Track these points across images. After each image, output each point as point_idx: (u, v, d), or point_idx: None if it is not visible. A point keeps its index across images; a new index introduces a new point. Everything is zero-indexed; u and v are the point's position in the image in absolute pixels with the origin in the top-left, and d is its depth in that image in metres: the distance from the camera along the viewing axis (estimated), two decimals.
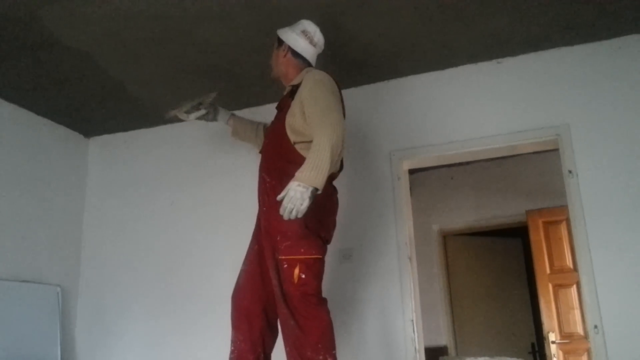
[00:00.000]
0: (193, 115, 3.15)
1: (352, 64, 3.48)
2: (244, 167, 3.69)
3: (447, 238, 5.93)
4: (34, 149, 3.99)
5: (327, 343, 2.41)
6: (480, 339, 5.65)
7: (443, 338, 5.49)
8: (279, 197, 2.29)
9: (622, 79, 3.23)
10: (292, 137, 2.55)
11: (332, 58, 3.18)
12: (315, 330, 2.39)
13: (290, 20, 2.80)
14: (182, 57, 3.34)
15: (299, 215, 2.26)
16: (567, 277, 4.91)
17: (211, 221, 3.93)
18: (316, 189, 2.28)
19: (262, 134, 3.18)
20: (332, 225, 2.61)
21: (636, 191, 3.08)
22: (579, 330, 4.82)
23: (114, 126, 4.32)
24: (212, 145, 4.07)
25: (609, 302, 2.99)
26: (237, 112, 3.44)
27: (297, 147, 2.53)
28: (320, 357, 2.36)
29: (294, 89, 2.65)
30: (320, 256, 2.48)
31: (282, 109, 2.70)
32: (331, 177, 2.50)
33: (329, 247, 2.60)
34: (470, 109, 3.50)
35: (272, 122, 2.79)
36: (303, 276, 2.39)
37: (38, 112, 4.01)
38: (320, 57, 2.84)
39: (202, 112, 3.16)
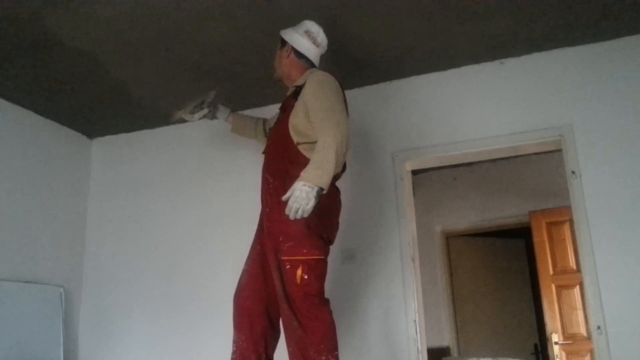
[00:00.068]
0: (197, 115, 3.19)
1: (354, 64, 3.48)
2: (247, 167, 3.69)
3: (450, 239, 5.92)
4: (37, 150, 4.00)
5: (330, 343, 2.41)
6: (483, 340, 5.64)
7: (445, 339, 5.49)
8: (284, 197, 2.29)
9: (624, 80, 3.23)
10: (296, 138, 2.55)
11: (334, 58, 3.18)
12: (317, 331, 2.39)
13: (292, 21, 2.80)
14: (185, 58, 3.35)
15: (305, 215, 2.27)
16: (570, 277, 4.89)
17: (214, 222, 3.94)
18: (321, 189, 2.28)
19: (261, 129, 3.21)
20: (335, 226, 2.62)
21: (639, 192, 3.07)
22: (582, 331, 4.81)
23: (117, 127, 4.33)
24: (214, 146, 4.07)
25: (612, 302, 2.98)
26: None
27: (300, 148, 2.54)
28: (323, 358, 2.36)
29: (298, 90, 2.65)
30: (323, 257, 2.48)
31: (286, 110, 2.70)
32: (334, 178, 2.50)
33: (332, 247, 2.60)
34: (473, 109, 3.49)
35: (276, 123, 2.80)
36: (306, 277, 2.39)
37: (41, 113, 4.02)
38: (323, 57, 2.84)
39: (205, 110, 3.19)
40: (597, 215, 3.11)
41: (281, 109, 2.82)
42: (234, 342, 2.62)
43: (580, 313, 4.82)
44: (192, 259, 3.93)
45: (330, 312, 2.47)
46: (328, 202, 2.47)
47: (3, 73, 3.43)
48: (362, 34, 3.16)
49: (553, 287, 4.99)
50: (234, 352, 2.61)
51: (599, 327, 2.99)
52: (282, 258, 2.44)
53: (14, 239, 3.72)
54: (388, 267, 3.43)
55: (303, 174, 2.29)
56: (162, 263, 4.00)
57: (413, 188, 3.71)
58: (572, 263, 4.92)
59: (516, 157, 4.93)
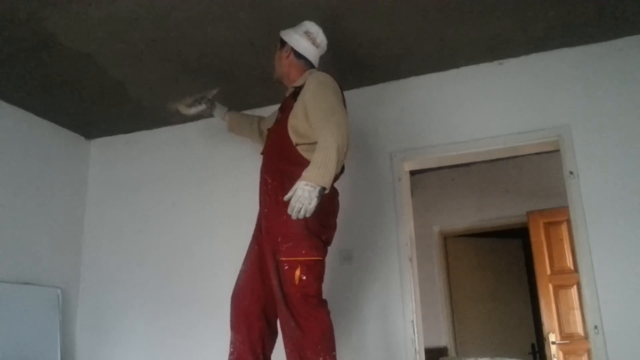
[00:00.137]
0: (193, 110, 3.24)
1: (353, 65, 3.48)
2: (245, 168, 3.69)
3: (448, 239, 5.93)
4: (35, 151, 3.99)
5: (328, 344, 2.41)
6: (481, 340, 5.65)
7: (443, 339, 5.49)
8: (286, 197, 2.29)
9: (623, 80, 3.23)
10: (295, 139, 2.55)
11: (333, 59, 3.18)
12: (315, 332, 2.39)
13: (291, 22, 2.81)
14: (183, 59, 3.35)
15: (307, 215, 2.26)
16: (568, 277, 4.91)
17: (211, 223, 3.94)
18: (324, 189, 2.28)
19: (256, 128, 3.23)
20: (333, 227, 2.62)
21: (637, 192, 3.08)
22: (579, 330, 4.82)
23: (115, 128, 4.33)
24: (212, 146, 4.07)
25: (610, 302, 2.99)
26: None
27: (299, 148, 2.54)
28: (321, 359, 2.36)
29: (297, 91, 2.65)
30: (321, 258, 2.48)
31: (285, 111, 2.70)
32: (333, 179, 2.50)
33: (330, 248, 2.60)
34: (471, 110, 3.50)
35: (274, 124, 2.80)
36: (304, 278, 2.40)
37: (39, 114, 4.02)
38: (322, 58, 2.84)
39: (202, 107, 3.25)
40: (594, 215, 3.12)
41: (280, 109, 2.82)
42: (232, 343, 2.62)
43: (577, 313, 4.84)
44: (190, 259, 3.92)
45: (328, 313, 2.47)
46: (326, 203, 2.47)
47: (1, 74, 3.43)
48: (361, 35, 3.16)
49: (550, 287, 5.00)
50: (231, 353, 2.61)
51: (596, 327, 3.00)
52: (281, 259, 2.44)
53: (11, 240, 3.72)
54: (386, 267, 3.44)
55: (305, 173, 2.29)
56: (160, 264, 4.00)
57: (411, 188, 3.71)
58: (569, 263, 4.93)
59: (514, 157, 4.93)
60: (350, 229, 3.45)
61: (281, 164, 2.58)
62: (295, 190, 2.26)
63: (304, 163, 2.47)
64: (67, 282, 4.09)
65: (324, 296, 2.52)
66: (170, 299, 3.89)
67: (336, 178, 2.59)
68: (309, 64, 2.76)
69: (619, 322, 2.96)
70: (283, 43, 2.77)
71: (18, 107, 3.87)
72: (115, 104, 3.89)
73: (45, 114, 4.02)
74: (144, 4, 2.81)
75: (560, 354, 4.87)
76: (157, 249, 4.04)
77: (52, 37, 3.07)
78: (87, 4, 2.80)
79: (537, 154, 4.13)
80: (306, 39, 2.73)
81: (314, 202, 2.24)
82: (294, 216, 2.27)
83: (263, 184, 2.66)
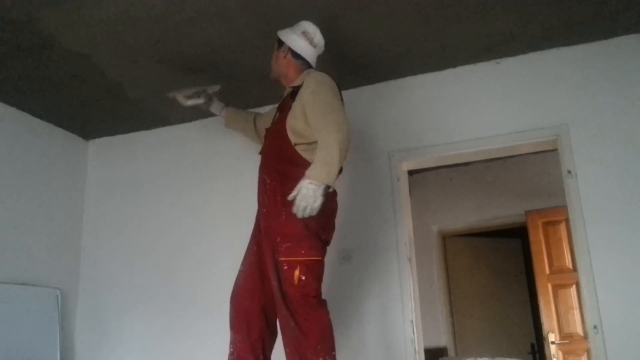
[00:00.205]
0: (191, 102, 3.24)
1: (351, 65, 3.48)
2: (243, 168, 3.69)
3: (447, 239, 5.94)
4: (33, 152, 3.99)
5: (327, 344, 2.41)
6: (480, 340, 5.65)
7: (443, 339, 5.49)
8: (290, 196, 2.29)
9: (621, 79, 3.23)
10: (293, 139, 2.55)
11: (331, 59, 3.18)
12: (315, 332, 2.39)
13: (289, 22, 2.81)
14: (181, 59, 3.34)
15: (313, 213, 2.28)
16: (567, 277, 4.91)
17: (210, 223, 3.94)
18: (328, 187, 2.28)
19: (251, 125, 3.24)
20: (332, 227, 2.61)
21: (635, 191, 3.08)
22: (579, 330, 4.82)
23: (113, 128, 4.33)
24: (211, 147, 4.07)
25: (609, 302, 2.99)
26: None
27: (298, 148, 2.54)
28: (320, 359, 2.36)
29: (295, 91, 2.65)
30: (320, 258, 2.48)
31: (283, 111, 2.70)
32: None
33: (329, 248, 2.60)
34: (469, 109, 3.50)
35: (273, 124, 2.79)
36: (303, 278, 2.40)
37: (37, 115, 4.01)
38: (319, 58, 2.84)
39: (200, 101, 3.25)
40: (593, 214, 3.12)
41: (278, 109, 2.82)
42: (231, 343, 2.62)
43: (576, 312, 4.84)
44: (189, 260, 3.92)
45: (327, 313, 2.47)
46: (325, 203, 2.47)
47: None
48: (359, 35, 3.16)
49: (549, 286, 5.01)
50: (231, 354, 2.60)
51: (595, 327, 3.00)
52: (280, 259, 2.44)
53: (10, 241, 3.71)
54: (385, 267, 3.44)
55: (308, 172, 2.30)
56: (159, 264, 4.00)
57: (410, 188, 3.71)
58: (568, 262, 4.93)
59: (512, 156, 4.94)
60: (349, 228, 3.45)
61: (280, 164, 2.58)
62: (300, 189, 2.27)
63: (302, 163, 2.48)
64: (66, 283, 4.09)
65: (324, 296, 2.52)
66: (170, 299, 3.89)
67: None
68: (306, 64, 2.76)
69: (618, 321, 2.96)
70: (280, 43, 2.77)
71: (16, 108, 3.87)
72: (114, 104, 3.89)
73: (43, 114, 4.02)
74: (142, 5, 2.81)
75: (560, 353, 4.87)
76: (156, 249, 4.04)
77: (50, 38, 3.07)
78: (85, 5, 2.79)
79: (535, 153, 4.14)
80: (304, 39, 2.73)
81: (319, 201, 2.26)
82: (299, 215, 2.27)
83: (262, 184, 2.66)
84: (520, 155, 4.59)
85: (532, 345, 5.76)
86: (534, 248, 5.12)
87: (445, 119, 3.54)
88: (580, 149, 3.22)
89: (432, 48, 3.35)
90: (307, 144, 2.53)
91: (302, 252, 2.42)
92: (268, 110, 3.17)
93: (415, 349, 3.27)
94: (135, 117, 4.11)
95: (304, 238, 2.42)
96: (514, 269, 6.11)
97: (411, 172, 4.01)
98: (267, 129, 2.87)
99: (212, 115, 3.93)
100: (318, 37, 2.77)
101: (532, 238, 5.14)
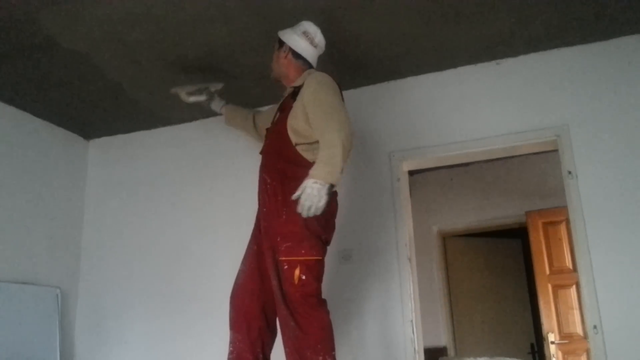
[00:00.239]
0: (193, 99, 3.30)
1: (352, 65, 3.48)
2: (244, 168, 3.69)
3: (447, 239, 5.94)
4: (34, 152, 3.99)
5: (327, 344, 2.41)
6: (480, 340, 5.66)
7: (442, 339, 5.49)
8: (294, 196, 2.30)
9: (621, 80, 3.23)
10: (294, 139, 2.56)
11: (332, 59, 3.18)
12: (315, 331, 2.40)
13: (290, 22, 2.81)
14: (181, 59, 3.34)
15: (318, 213, 2.28)
16: (567, 277, 4.91)
17: (210, 222, 3.94)
18: (332, 186, 2.29)
19: (250, 122, 3.27)
20: (332, 227, 2.62)
21: (635, 191, 3.08)
22: (579, 330, 4.83)
23: (114, 128, 4.33)
24: (211, 146, 4.07)
25: (609, 302, 2.99)
26: None
27: (298, 148, 2.55)
28: (320, 358, 2.37)
29: (296, 91, 2.66)
30: (321, 257, 2.49)
31: (284, 111, 2.70)
32: None
33: (329, 248, 2.60)
34: (469, 110, 3.50)
35: (273, 124, 2.80)
36: (303, 277, 2.40)
37: (37, 115, 4.01)
38: (320, 58, 2.85)
39: (202, 98, 3.31)
40: (593, 215, 3.12)
41: (279, 109, 2.82)
42: (231, 342, 2.62)
43: (576, 312, 4.84)
44: (189, 259, 3.92)
45: (327, 313, 2.47)
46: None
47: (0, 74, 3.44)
48: (360, 35, 3.16)
49: (549, 286, 5.01)
50: (230, 353, 2.61)
51: (595, 327, 3.00)
52: (280, 258, 2.45)
53: (10, 240, 3.72)
54: (385, 267, 3.44)
55: (312, 171, 2.30)
56: (159, 264, 4.00)
57: (410, 188, 3.72)
58: (568, 263, 4.94)
59: (513, 157, 4.94)
60: (350, 229, 3.45)
61: (280, 163, 2.59)
62: (304, 188, 2.27)
63: (303, 163, 2.49)
64: (66, 282, 4.09)
65: (324, 296, 2.53)
66: (170, 299, 3.89)
67: None
68: (307, 64, 2.76)
69: (618, 321, 2.96)
70: (281, 43, 2.78)
71: (16, 107, 3.87)
72: (114, 104, 3.89)
73: (43, 114, 4.02)
74: (142, 5, 2.81)
75: (560, 353, 4.88)
76: (156, 249, 4.04)
77: (50, 38, 3.07)
78: (85, 5, 2.79)
79: (535, 153, 4.13)
80: (304, 39, 2.74)
81: (323, 200, 2.26)
82: (304, 214, 2.28)
83: (262, 183, 2.66)
84: (521, 155, 4.59)
85: (532, 345, 5.76)
86: (534, 248, 5.12)
87: (446, 119, 3.54)
88: (580, 150, 3.22)
89: (432, 48, 3.35)
90: (308, 143, 2.53)
91: (303, 251, 2.42)
92: (268, 109, 3.18)
93: (415, 349, 3.27)
94: (136, 117, 4.11)
95: (304, 238, 2.43)
96: (514, 269, 6.11)
97: (411, 173, 4.01)
98: (267, 129, 2.87)
99: (212, 115, 3.96)
100: (319, 37, 2.77)
101: (532, 238, 5.14)
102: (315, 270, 2.46)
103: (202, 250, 3.90)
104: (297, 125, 2.55)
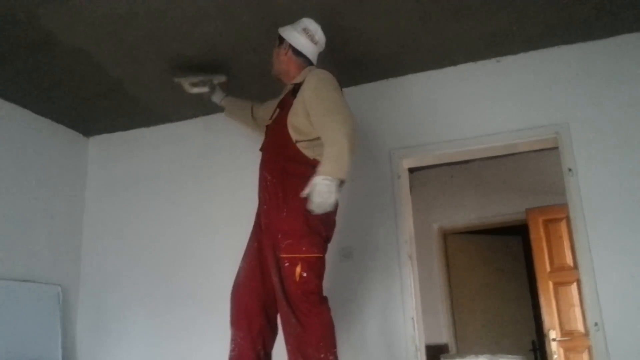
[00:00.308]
0: (196, 90, 3.34)
1: (352, 62, 3.48)
2: (244, 165, 3.69)
3: (448, 236, 5.93)
4: (34, 149, 3.99)
5: (328, 341, 2.41)
6: (481, 337, 5.66)
7: (444, 336, 5.49)
8: (303, 194, 2.30)
9: (621, 77, 3.23)
10: (295, 136, 2.56)
11: (332, 56, 3.17)
12: (316, 329, 2.40)
13: (289, 19, 2.81)
14: (181, 56, 3.34)
15: (329, 209, 2.31)
16: (568, 274, 4.91)
17: (211, 219, 3.94)
18: (341, 182, 2.29)
19: (249, 114, 3.30)
20: (333, 224, 2.62)
21: (636, 189, 3.08)
22: (580, 327, 4.82)
23: (114, 125, 4.32)
24: (212, 143, 4.07)
25: (610, 299, 2.99)
26: None
27: (299, 145, 2.55)
28: (322, 356, 2.37)
29: (296, 88, 2.65)
30: (322, 255, 2.49)
31: (284, 108, 2.70)
32: None
33: (329, 245, 2.60)
34: (470, 107, 3.50)
35: (273, 121, 2.80)
36: (304, 274, 2.40)
37: (37, 112, 4.01)
38: (320, 55, 2.84)
39: (205, 89, 3.35)
40: (593, 212, 3.12)
41: (279, 106, 2.82)
42: (232, 339, 2.62)
43: (577, 310, 4.84)
44: (190, 256, 3.93)
45: (328, 310, 2.48)
46: None
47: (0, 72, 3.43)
48: (360, 32, 3.16)
49: (550, 284, 5.01)
50: (232, 350, 2.61)
51: (596, 324, 3.00)
52: (281, 255, 2.45)
53: (10, 238, 3.72)
54: (386, 265, 3.44)
55: (320, 168, 2.31)
56: (160, 261, 4.00)
57: (410, 186, 3.72)
58: (569, 260, 4.93)
59: (513, 154, 4.90)
60: (350, 226, 3.45)
61: (281, 160, 2.59)
62: (314, 185, 2.27)
63: (303, 160, 2.49)
64: (67, 280, 4.09)
65: (324, 293, 2.53)
66: (171, 296, 3.89)
67: None
68: (307, 61, 2.76)
69: (620, 318, 2.96)
70: (281, 40, 2.78)
71: (16, 104, 3.86)
72: (114, 101, 3.89)
73: (43, 111, 4.02)
74: (142, 2, 2.81)
75: (561, 350, 4.88)
76: (157, 246, 4.04)
77: (50, 35, 3.06)
78: (85, 2, 2.79)
79: (536, 151, 4.14)
80: (305, 36, 2.73)
81: (334, 196, 2.27)
82: (316, 211, 2.30)
83: (262, 180, 2.66)
84: (521, 153, 4.57)
85: (533, 343, 5.76)
86: (534, 246, 5.12)
87: (446, 116, 3.53)
88: (581, 147, 3.22)
89: (432, 46, 3.35)
90: (309, 140, 2.53)
91: (303, 248, 2.42)
92: (267, 102, 3.17)
93: (416, 346, 3.27)
94: (136, 114, 4.11)
95: (305, 235, 2.43)
96: (514, 266, 6.11)
97: (412, 170, 4.01)
98: (267, 126, 2.87)
99: (212, 112, 3.97)
100: (319, 34, 2.77)
101: (532, 236, 5.14)
102: (316, 268, 2.46)
103: (202, 247, 3.90)
104: (297, 122, 2.55)
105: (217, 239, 3.85)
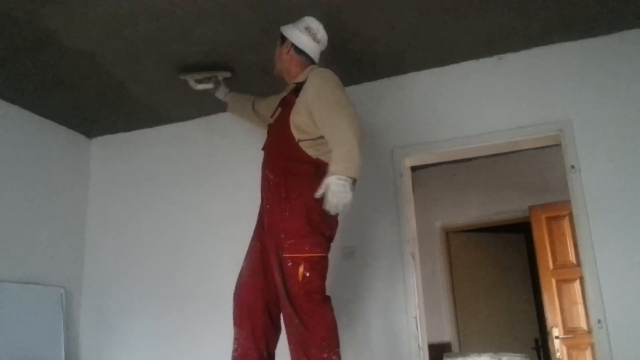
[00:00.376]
0: (201, 86, 3.40)
1: (354, 61, 3.48)
2: (246, 165, 3.67)
3: (450, 234, 5.93)
4: (36, 150, 3.99)
5: (332, 341, 2.41)
6: (484, 335, 5.65)
7: (446, 334, 5.49)
8: (318, 194, 2.31)
9: (623, 74, 3.22)
10: (297, 135, 2.55)
11: (334, 55, 3.17)
12: (319, 328, 2.39)
13: (291, 18, 2.80)
14: (183, 56, 3.34)
15: (346, 209, 2.30)
16: (570, 272, 4.90)
17: (213, 219, 3.94)
18: (354, 180, 2.28)
19: (250, 108, 3.31)
20: (335, 223, 2.61)
21: (639, 185, 3.08)
22: (583, 325, 4.82)
23: (116, 126, 4.33)
24: (214, 143, 4.07)
25: (613, 296, 2.99)
26: None
27: (301, 145, 2.54)
28: (325, 355, 2.36)
29: (298, 87, 2.65)
30: (325, 254, 2.49)
31: (286, 107, 2.70)
32: None
33: (332, 245, 2.60)
34: (472, 105, 3.49)
35: (276, 120, 2.79)
36: (307, 274, 2.40)
37: (40, 113, 4.01)
38: (322, 54, 2.84)
39: (210, 86, 3.41)
40: (596, 209, 3.11)
41: (281, 105, 2.81)
42: (235, 339, 2.62)
43: (580, 307, 4.83)
44: (193, 257, 3.93)
45: (331, 310, 2.47)
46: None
47: (1, 73, 3.43)
48: (362, 31, 3.16)
49: (553, 281, 5.00)
50: (235, 350, 2.61)
51: (599, 321, 3.00)
52: (284, 255, 2.44)
53: (13, 240, 3.72)
54: (388, 263, 3.44)
55: (333, 168, 2.31)
56: (163, 262, 4.00)
57: (413, 184, 3.71)
58: (572, 257, 4.93)
59: (515, 152, 4.92)
60: (352, 225, 3.44)
61: (283, 160, 2.59)
62: (329, 185, 2.27)
63: (306, 159, 2.48)
64: (70, 281, 4.10)
65: (327, 293, 2.52)
66: (174, 296, 3.90)
67: None
68: (309, 60, 2.76)
69: (623, 315, 2.96)
70: (283, 39, 2.78)
71: (18, 106, 3.87)
72: (116, 102, 3.89)
73: (45, 113, 4.02)
74: (144, 2, 2.81)
75: (564, 348, 4.87)
76: (160, 247, 4.04)
77: (51, 36, 3.07)
78: (86, 3, 2.79)
79: (538, 148, 4.13)
80: (307, 35, 2.73)
81: (349, 195, 2.27)
82: (332, 211, 2.30)
83: (265, 180, 2.66)
84: (524, 150, 4.58)
85: (536, 340, 5.76)
86: (537, 243, 5.11)
87: (448, 114, 3.53)
88: (583, 144, 3.21)
89: (433, 44, 3.34)
90: (311, 140, 2.53)
91: (306, 248, 2.42)
92: (269, 97, 3.17)
93: (419, 345, 3.27)
94: (138, 115, 4.11)
95: (308, 234, 2.42)
96: (517, 264, 6.11)
97: (414, 168, 4.01)
98: (269, 125, 2.87)
99: (214, 112, 3.97)
100: (321, 33, 2.76)
101: (535, 233, 5.13)
102: (319, 267, 2.46)
103: (205, 247, 3.91)
104: (300, 121, 2.55)
105: (219, 239, 3.85)
